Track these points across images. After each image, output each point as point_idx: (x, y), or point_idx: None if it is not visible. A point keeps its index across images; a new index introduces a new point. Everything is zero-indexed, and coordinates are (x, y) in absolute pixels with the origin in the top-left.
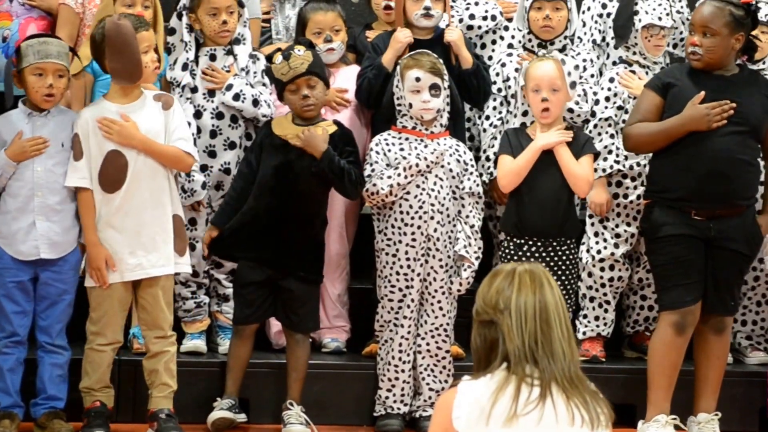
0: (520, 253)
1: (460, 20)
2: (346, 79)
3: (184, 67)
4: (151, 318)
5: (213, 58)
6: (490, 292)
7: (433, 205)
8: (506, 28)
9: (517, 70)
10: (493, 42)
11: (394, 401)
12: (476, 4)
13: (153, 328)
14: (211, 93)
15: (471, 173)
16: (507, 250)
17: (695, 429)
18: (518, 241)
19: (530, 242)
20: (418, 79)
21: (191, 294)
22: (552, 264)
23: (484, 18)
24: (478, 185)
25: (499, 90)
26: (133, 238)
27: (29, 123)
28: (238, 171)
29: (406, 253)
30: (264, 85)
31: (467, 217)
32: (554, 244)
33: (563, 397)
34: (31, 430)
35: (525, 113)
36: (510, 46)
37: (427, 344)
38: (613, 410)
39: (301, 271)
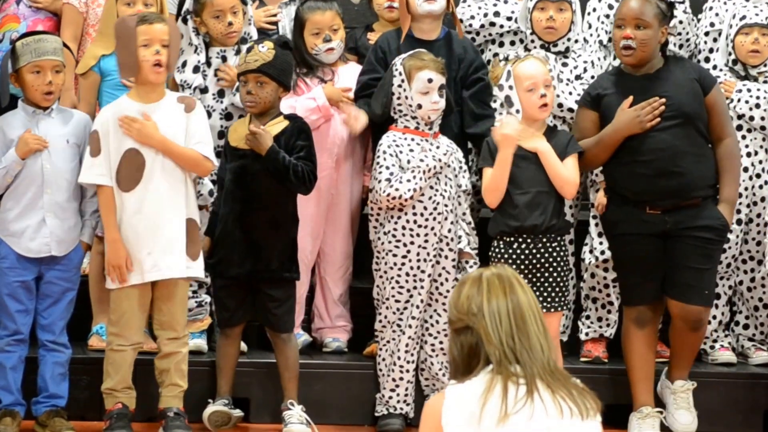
0: (510, 251)
1: (485, 15)
2: (348, 76)
3: (195, 69)
4: (166, 319)
5: (224, 59)
6: (460, 300)
7: (446, 205)
8: (501, 36)
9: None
10: (512, 43)
11: (397, 401)
12: (505, 2)
13: (166, 329)
14: (221, 94)
15: (465, 170)
16: (498, 250)
17: (672, 398)
18: (508, 240)
19: (520, 239)
20: (430, 81)
21: (192, 293)
22: (543, 261)
23: (509, 18)
24: (470, 181)
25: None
26: (148, 238)
27: (34, 121)
28: (217, 176)
29: (418, 254)
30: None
31: (464, 214)
32: (544, 240)
33: (549, 391)
34: (32, 429)
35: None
36: (527, 49)
37: (441, 342)
38: (615, 411)
39: (278, 272)
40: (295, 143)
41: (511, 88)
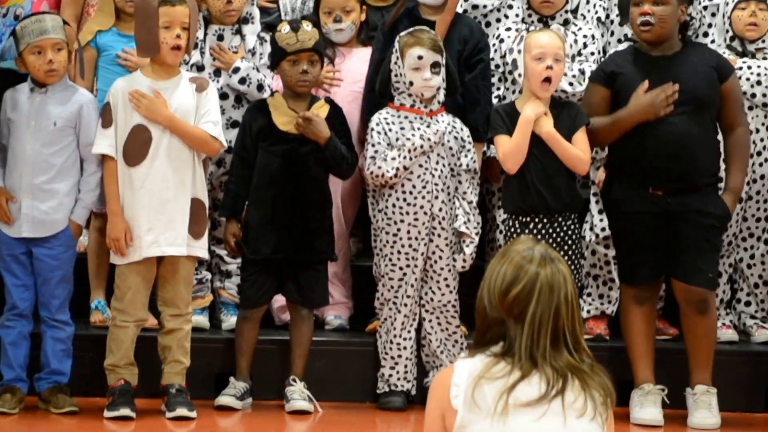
0: (526, 231)
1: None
2: (358, 60)
3: (194, 46)
4: (169, 296)
5: (221, 38)
6: (507, 299)
7: (436, 184)
8: (510, 6)
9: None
10: (498, 20)
11: (398, 379)
12: None
13: (169, 306)
14: (217, 73)
15: (468, 150)
16: (513, 229)
17: (692, 400)
18: (524, 219)
19: (536, 219)
20: (420, 57)
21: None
22: (558, 239)
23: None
24: (474, 162)
25: (497, 66)
26: (151, 215)
27: (29, 99)
28: (237, 156)
29: (408, 232)
30: (269, 68)
31: (464, 193)
32: (559, 219)
33: (562, 385)
34: (35, 405)
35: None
36: (524, 22)
37: (437, 318)
38: (617, 388)
39: (328, 252)
40: (340, 128)
41: (519, 52)
